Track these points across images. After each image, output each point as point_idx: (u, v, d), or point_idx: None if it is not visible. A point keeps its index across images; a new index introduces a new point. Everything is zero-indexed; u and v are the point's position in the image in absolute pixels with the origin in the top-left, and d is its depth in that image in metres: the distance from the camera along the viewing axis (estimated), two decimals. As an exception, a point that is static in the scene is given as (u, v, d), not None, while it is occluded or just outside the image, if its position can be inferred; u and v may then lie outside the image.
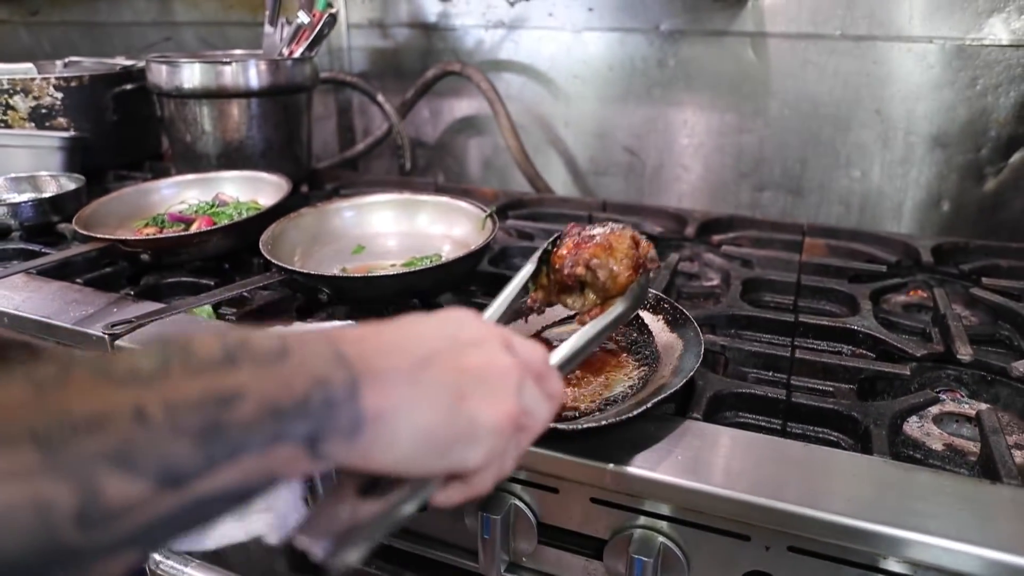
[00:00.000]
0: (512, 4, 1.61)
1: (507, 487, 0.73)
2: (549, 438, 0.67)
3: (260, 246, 0.96)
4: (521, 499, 0.72)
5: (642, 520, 0.68)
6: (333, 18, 1.41)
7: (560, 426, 0.65)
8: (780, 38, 1.41)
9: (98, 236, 1.04)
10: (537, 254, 0.73)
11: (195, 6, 2.00)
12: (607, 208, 1.39)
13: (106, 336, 0.84)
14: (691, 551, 0.67)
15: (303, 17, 1.38)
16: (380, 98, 1.68)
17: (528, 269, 0.71)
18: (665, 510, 0.67)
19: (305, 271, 0.89)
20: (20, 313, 0.92)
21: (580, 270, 0.69)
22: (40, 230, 1.26)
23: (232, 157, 1.40)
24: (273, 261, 0.92)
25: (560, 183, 1.66)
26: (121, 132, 1.64)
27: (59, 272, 1.04)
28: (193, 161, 1.42)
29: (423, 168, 1.82)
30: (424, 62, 1.72)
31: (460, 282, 0.99)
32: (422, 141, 1.82)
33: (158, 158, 1.78)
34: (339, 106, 1.89)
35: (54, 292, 0.98)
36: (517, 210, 1.39)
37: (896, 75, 1.33)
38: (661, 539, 0.67)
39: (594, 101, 1.60)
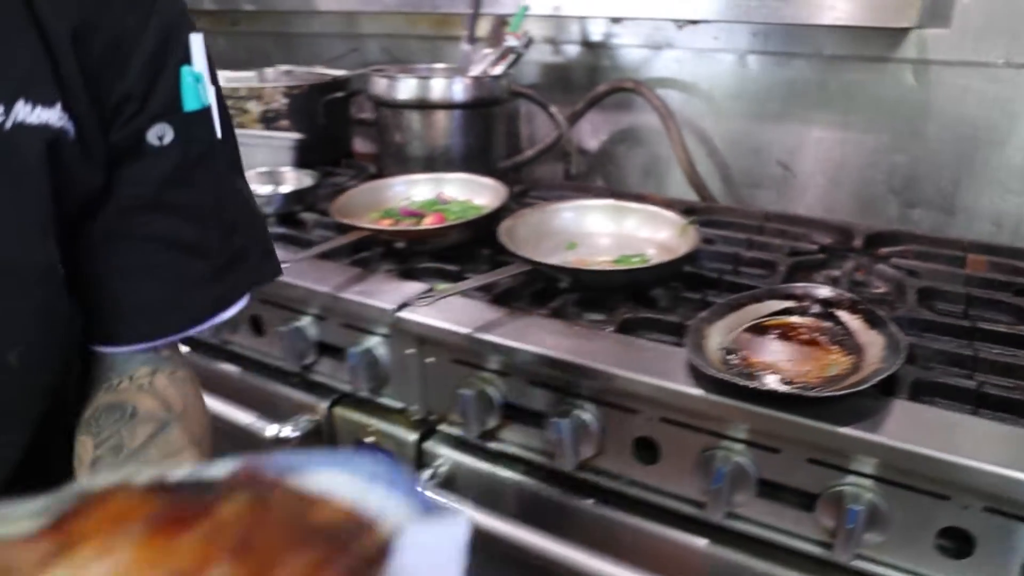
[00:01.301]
0: (680, 27, 1.77)
1: (732, 447, 0.89)
2: (784, 402, 0.84)
3: (499, 238, 1.16)
4: (745, 457, 0.89)
5: (851, 479, 0.83)
6: (530, 39, 1.61)
7: (805, 393, 0.81)
8: (942, 65, 1.51)
9: (360, 226, 1.25)
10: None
11: (379, 20, 2.24)
12: (769, 218, 1.52)
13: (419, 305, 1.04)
14: (894, 508, 0.82)
15: (511, 41, 1.58)
16: (552, 109, 1.87)
17: None
18: (871, 470, 0.82)
19: (550, 263, 1.08)
20: (325, 290, 1.15)
21: None
22: (284, 218, 1.50)
23: (436, 160, 1.62)
24: (517, 253, 1.11)
25: (715, 193, 1.81)
26: (326, 133, 1.89)
27: (327, 256, 1.26)
28: (402, 162, 1.65)
29: (585, 173, 2.00)
30: (591, 77, 1.90)
31: (669, 279, 1.16)
32: (584, 149, 1.99)
33: (349, 156, 2.03)
34: (508, 114, 2.09)
35: (337, 271, 1.19)
36: (690, 216, 1.54)
37: (1058, 104, 1.42)
38: (869, 495, 0.82)
39: (752, 119, 1.74)
